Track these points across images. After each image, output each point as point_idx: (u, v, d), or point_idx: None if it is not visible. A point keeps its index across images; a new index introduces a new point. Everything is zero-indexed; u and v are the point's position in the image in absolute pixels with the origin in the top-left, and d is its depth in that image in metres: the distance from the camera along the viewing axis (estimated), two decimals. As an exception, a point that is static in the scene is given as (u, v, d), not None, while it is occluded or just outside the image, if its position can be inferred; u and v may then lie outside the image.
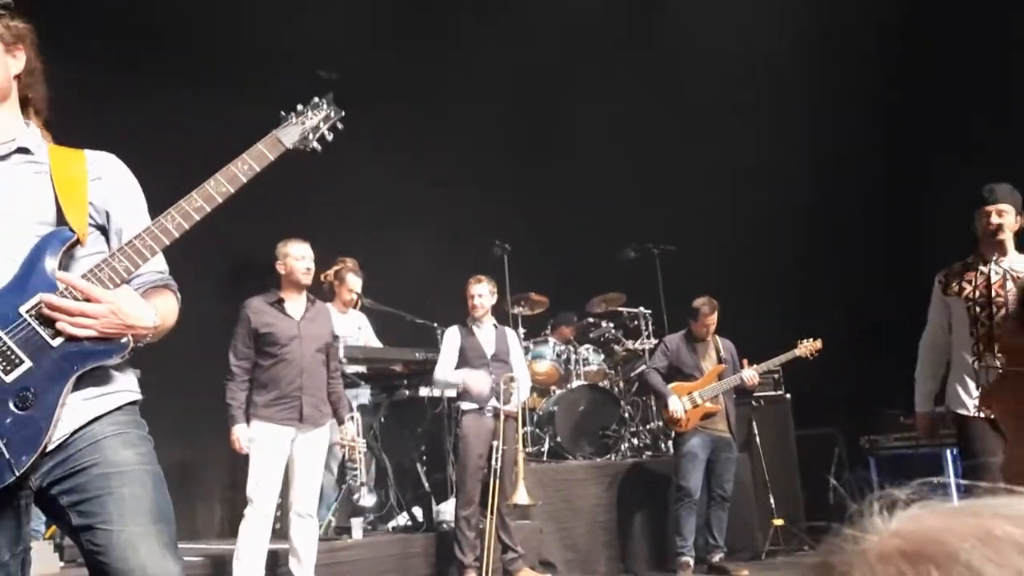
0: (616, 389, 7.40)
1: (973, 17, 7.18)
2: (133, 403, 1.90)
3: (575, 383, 7.03)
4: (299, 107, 2.11)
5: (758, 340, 6.29)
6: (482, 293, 5.43)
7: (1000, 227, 3.72)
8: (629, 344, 7.64)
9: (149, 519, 1.75)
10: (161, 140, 5.93)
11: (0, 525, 1.73)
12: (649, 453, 7.13)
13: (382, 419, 5.91)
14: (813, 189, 7.92)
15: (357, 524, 5.27)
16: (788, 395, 7.07)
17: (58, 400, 1.73)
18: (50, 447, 1.73)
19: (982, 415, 3.60)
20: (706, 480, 5.92)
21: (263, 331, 4.39)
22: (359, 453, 5.23)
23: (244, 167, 1.94)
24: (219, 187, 1.90)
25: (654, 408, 7.24)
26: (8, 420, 1.68)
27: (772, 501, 6.53)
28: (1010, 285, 3.65)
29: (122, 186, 1.98)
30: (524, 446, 5.51)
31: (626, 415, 7.14)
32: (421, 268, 7.70)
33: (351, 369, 5.45)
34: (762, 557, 6.41)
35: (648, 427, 7.40)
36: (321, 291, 5.86)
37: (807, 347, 6.10)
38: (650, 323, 7.69)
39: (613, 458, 6.75)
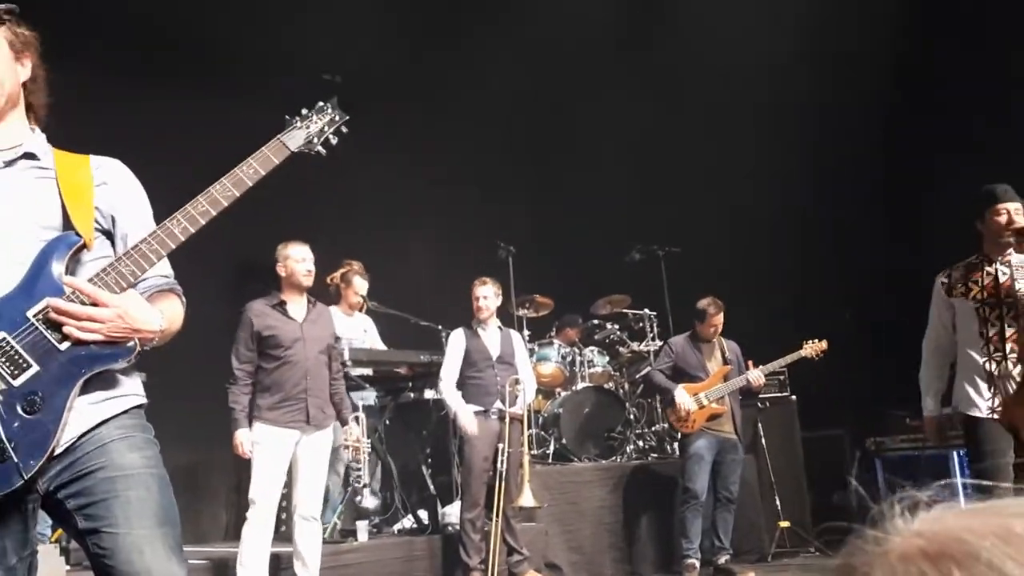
0: (621, 391, 7.39)
1: (974, 17, 7.17)
2: (139, 407, 1.91)
3: (580, 385, 7.03)
4: (304, 111, 2.12)
5: (763, 341, 6.28)
6: (487, 295, 5.43)
7: (1013, 224, 3.68)
8: (634, 346, 7.63)
9: (154, 522, 1.76)
10: (165, 143, 5.94)
11: (7, 529, 1.74)
12: (654, 455, 7.12)
13: (387, 421, 5.91)
14: (816, 189, 7.92)
15: (362, 527, 5.27)
16: (794, 396, 7.05)
17: (65, 404, 1.73)
18: (58, 451, 1.74)
19: (995, 416, 3.58)
20: (712, 482, 5.91)
21: (266, 334, 4.40)
22: (363, 454, 5.22)
23: (249, 171, 1.96)
24: (225, 191, 1.91)
25: (659, 410, 7.23)
26: (16, 424, 1.69)
27: (778, 503, 6.51)
28: (1019, 285, 3.63)
29: (127, 191, 1.99)
30: (529, 448, 5.51)
31: (631, 417, 7.13)
32: (425, 270, 7.70)
33: (356, 372, 5.46)
34: (768, 559, 6.40)
35: (653, 429, 7.40)
36: (327, 294, 5.87)
37: (812, 348, 6.09)
38: (655, 325, 7.69)
39: (618, 460, 6.74)
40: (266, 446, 4.31)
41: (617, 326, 7.75)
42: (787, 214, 7.90)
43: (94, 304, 1.75)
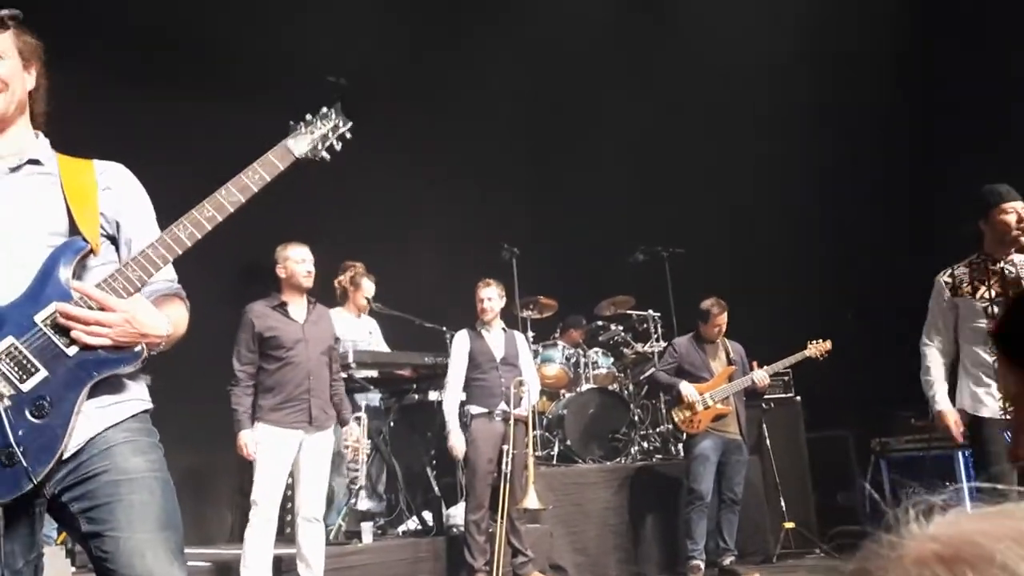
0: (626, 392, 7.38)
1: (974, 16, 7.16)
2: (145, 411, 1.93)
3: (584, 386, 7.02)
4: (308, 117, 2.13)
5: (768, 341, 6.28)
6: (491, 297, 5.44)
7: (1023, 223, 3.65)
8: (638, 347, 7.63)
9: (156, 526, 1.77)
10: (165, 144, 5.95)
11: (15, 532, 1.74)
12: (659, 456, 7.12)
13: (392, 423, 5.91)
14: (819, 190, 7.91)
15: (367, 528, 5.27)
16: (798, 397, 7.05)
17: (73, 408, 1.74)
18: (66, 455, 1.75)
19: (1006, 417, 3.55)
20: (716, 483, 5.91)
21: (267, 335, 4.40)
22: (362, 455, 5.23)
23: (255, 176, 1.97)
24: (230, 196, 1.93)
25: (664, 411, 7.22)
26: (25, 429, 1.70)
27: (783, 504, 6.50)
28: None
29: (132, 196, 2.01)
30: (534, 450, 5.51)
31: (636, 418, 7.12)
32: (430, 272, 7.70)
33: (361, 374, 5.46)
34: (773, 560, 6.39)
35: (658, 430, 7.39)
36: (332, 296, 5.87)
37: (817, 348, 6.08)
38: (659, 326, 7.68)
39: (623, 461, 6.73)
40: (268, 447, 4.31)
41: (621, 327, 7.74)
42: (790, 214, 7.89)
43: (102, 309, 1.77)
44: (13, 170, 1.88)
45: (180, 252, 1.87)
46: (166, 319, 1.87)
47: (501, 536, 5.12)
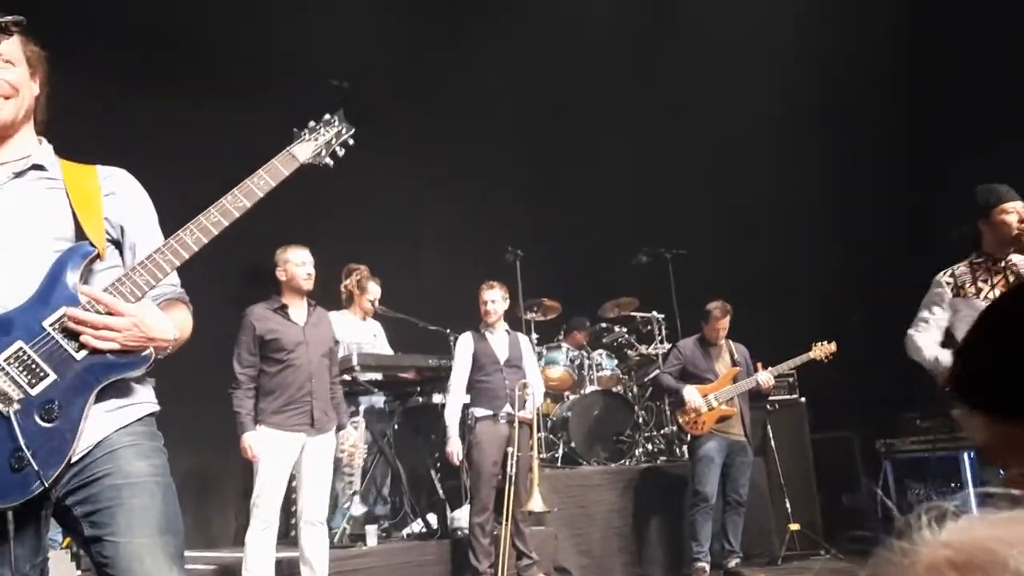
0: (630, 394, 7.38)
1: (980, 17, 7.14)
2: (151, 414, 1.94)
3: (589, 388, 7.02)
4: (311, 123, 2.17)
5: (772, 343, 6.27)
6: (495, 299, 5.44)
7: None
8: (642, 349, 7.62)
9: (156, 531, 1.78)
10: (165, 145, 5.96)
11: (22, 536, 1.75)
12: (664, 458, 7.11)
13: (396, 426, 5.92)
14: (826, 192, 7.90)
15: (371, 531, 5.27)
16: (803, 398, 7.03)
17: (82, 412, 1.76)
18: (74, 459, 1.76)
19: None
20: (721, 485, 5.90)
21: (268, 338, 4.40)
22: (358, 460, 5.23)
23: (260, 182, 2.00)
24: (236, 202, 1.95)
25: (668, 412, 7.22)
26: (34, 432, 1.71)
27: (788, 505, 6.49)
28: None
29: (135, 201, 2.03)
30: (538, 452, 5.50)
31: (640, 420, 7.12)
32: (433, 274, 7.71)
33: (365, 376, 5.46)
34: (779, 562, 6.37)
35: (662, 432, 7.38)
36: (336, 299, 5.88)
37: (821, 350, 6.08)
38: (663, 327, 7.68)
39: (627, 463, 6.73)
40: (270, 450, 4.30)
41: (625, 329, 7.74)
42: (792, 215, 7.88)
43: (110, 313, 1.78)
44: (18, 175, 1.90)
45: (187, 257, 1.88)
46: (173, 323, 1.89)
47: (506, 539, 5.12)
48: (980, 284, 3.73)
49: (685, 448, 6.68)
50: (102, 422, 1.81)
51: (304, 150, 2.12)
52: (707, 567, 5.76)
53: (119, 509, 1.76)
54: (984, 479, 3.87)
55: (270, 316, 4.47)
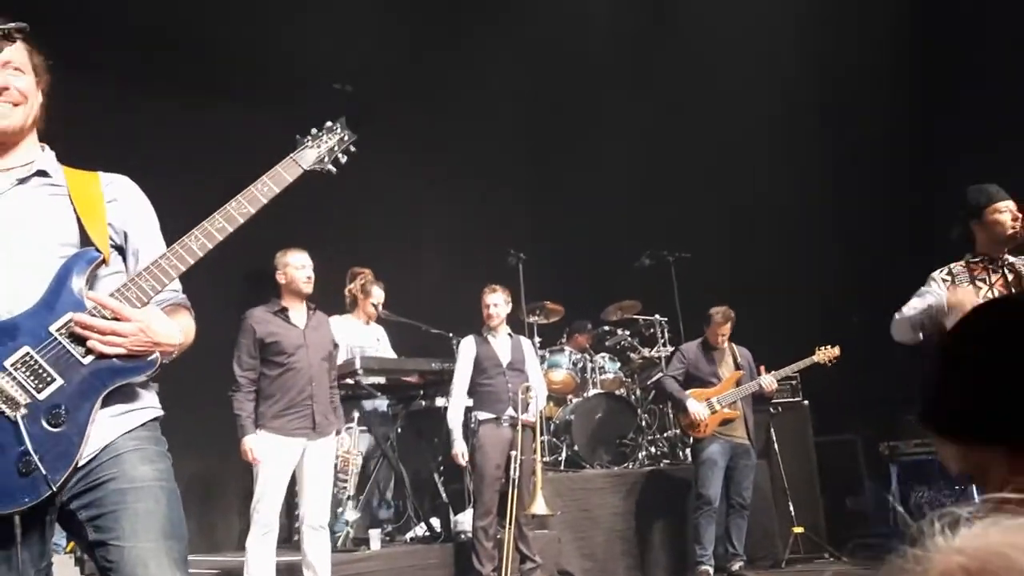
0: (633, 397, 7.37)
1: (980, 17, 7.14)
2: (155, 419, 1.95)
3: (591, 391, 7.01)
4: (314, 130, 2.21)
5: (775, 346, 6.26)
6: (497, 302, 5.44)
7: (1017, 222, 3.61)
8: (645, 352, 7.62)
9: (160, 535, 1.79)
10: (169, 148, 5.97)
11: (28, 540, 1.76)
12: (667, 461, 7.10)
13: (399, 429, 5.91)
14: (826, 192, 7.89)
15: (375, 535, 5.26)
16: (806, 401, 7.02)
17: (89, 417, 1.77)
18: (80, 463, 1.77)
19: None
20: (725, 488, 5.90)
21: (269, 341, 4.39)
22: (352, 466, 5.22)
23: (264, 188, 2.02)
24: (240, 208, 1.97)
25: (671, 416, 7.21)
26: (41, 437, 1.71)
27: (791, 508, 6.47)
28: None
29: (138, 207, 2.05)
30: (541, 455, 5.50)
31: (643, 423, 7.11)
32: (436, 278, 7.70)
33: (368, 380, 5.45)
34: (782, 565, 6.36)
35: (665, 435, 7.37)
36: (336, 302, 5.87)
37: (824, 354, 6.08)
38: (666, 331, 7.67)
39: (631, 466, 6.72)
40: (271, 455, 4.28)
41: (628, 332, 7.73)
42: (792, 216, 7.87)
43: (116, 319, 1.79)
44: (22, 181, 1.91)
45: (192, 262, 1.90)
46: (178, 328, 1.91)
47: (509, 542, 5.11)
48: (978, 283, 3.71)
49: (688, 451, 6.67)
50: (108, 427, 1.82)
51: (307, 156, 2.15)
52: (711, 570, 5.75)
53: (124, 513, 1.77)
54: None
55: (270, 319, 4.46)
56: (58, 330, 1.77)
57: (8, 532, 1.69)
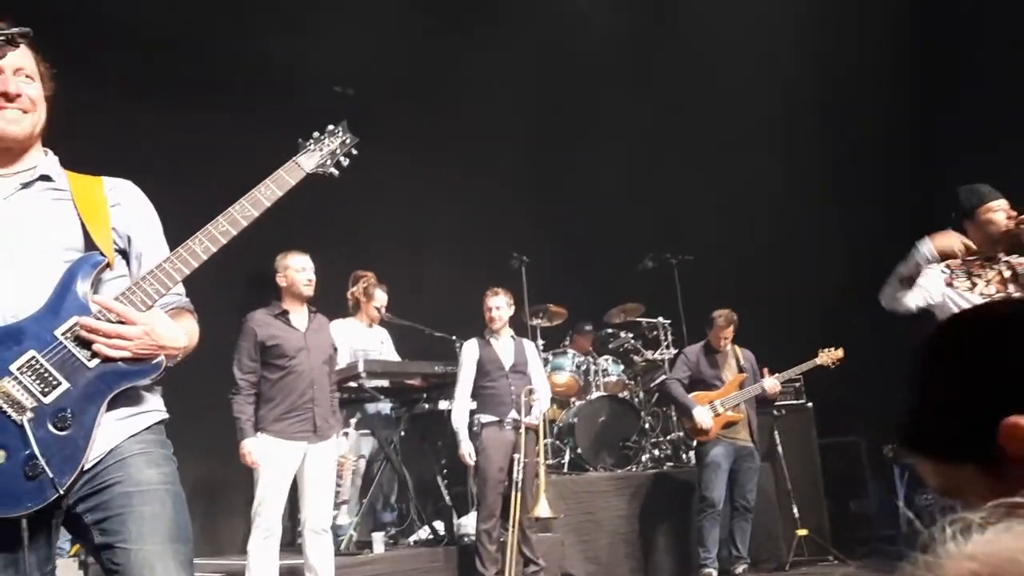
0: (636, 400, 7.36)
1: (981, 17, 7.13)
2: (161, 422, 1.96)
3: (595, 394, 7.01)
4: (316, 134, 2.23)
5: (779, 349, 6.25)
6: (499, 305, 5.44)
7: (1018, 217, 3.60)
8: (648, 354, 7.61)
9: (166, 538, 1.79)
10: (175, 157, 5.97)
11: (34, 544, 1.76)
12: (670, 464, 7.09)
13: (402, 432, 5.90)
14: (830, 195, 7.89)
15: (378, 538, 5.26)
16: (810, 404, 7.01)
17: (95, 420, 1.77)
18: (86, 466, 1.78)
19: None
20: (729, 490, 5.89)
21: (270, 344, 4.37)
22: (347, 471, 5.22)
23: (267, 192, 2.04)
24: (244, 211, 1.98)
25: (675, 418, 7.20)
26: (48, 440, 1.72)
27: (795, 511, 6.46)
28: None
29: (141, 212, 2.06)
30: (544, 458, 5.49)
31: (646, 426, 7.10)
32: (438, 281, 7.70)
33: (371, 383, 5.45)
34: (786, 568, 6.35)
35: (669, 438, 7.36)
36: (338, 304, 5.87)
37: (828, 356, 6.08)
38: (669, 333, 7.67)
39: (634, 469, 6.71)
40: (272, 458, 4.27)
41: (631, 335, 7.73)
42: (794, 218, 7.86)
43: (122, 322, 1.80)
44: (25, 186, 1.92)
45: (196, 266, 1.91)
46: (183, 331, 1.92)
47: (512, 545, 5.10)
48: (974, 279, 3.70)
49: (692, 454, 6.66)
50: (113, 430, 1.83)
51: (309, 160, 2.17)
52: (715, 573, 5.74)
53: (130, 516, 1.78)
54: None
55: (271, 322, 4.45)
56: (63, 334, 1.78)
57: (15, 535, 1.70)
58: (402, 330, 6.21)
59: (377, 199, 7.42)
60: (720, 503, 5.80)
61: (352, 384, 5.31)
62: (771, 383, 5.99)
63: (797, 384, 6.92)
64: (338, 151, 2.24)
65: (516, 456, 5.19)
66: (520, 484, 5.15)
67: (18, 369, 1.72)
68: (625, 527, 6.21)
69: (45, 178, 1.94)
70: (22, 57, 1.89)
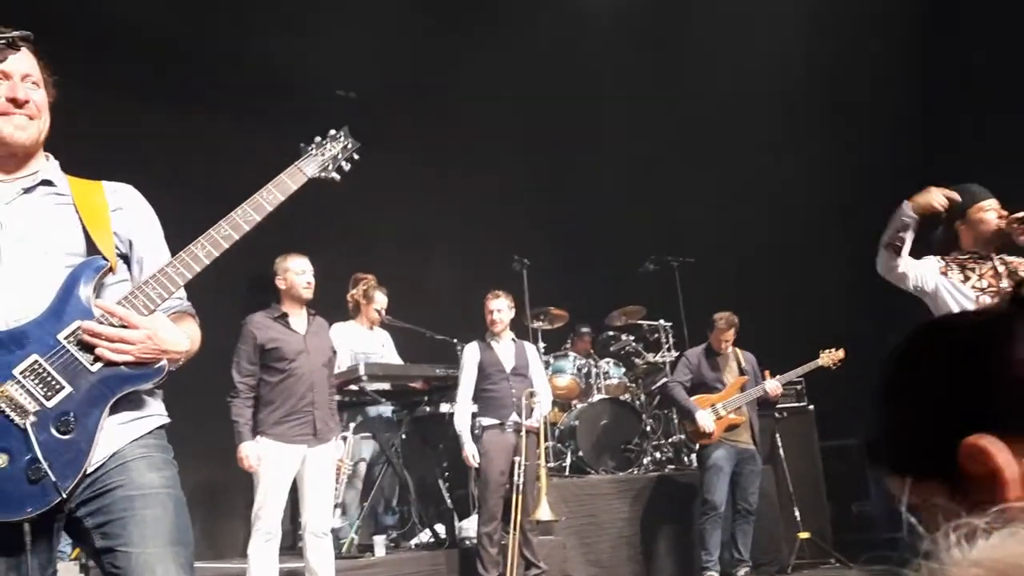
0: (637, 402, 7.36)
1: (980, 17, 7.12)
2: (162, 427, 1.96)
3: (596, 397, 7.00)
4: (318, 139, 2.25)
5: (780, 351, 6.25)
6: (501, 308, 5.44)
7: (1011, 216, 3.60)
8: (649, 357, 7.60)
9: (167, 541, 1.80)
10: (176, 160, 5.98)
11: (35, 548, 1.77)
12: (672, 467, 7.09)
13: (403, 435, 5.90)
14: (832, 197, 7.87)
15: (379, 541, 5.25)
16: (811, 406, 7.00)
17: (98, 424, 1.78)
18: (89, 470, 1.78)
19: None
20: (731, 493, 5.88)
21: (269, 347, 4.36)
22: (343, 475, 5.21)
23: (269, 196, 2.05)
24: (246, 216, 2.00)
25: (676, 421, 7.19)
26: (51, 444, 1.72)
27: (797, 513, 6.45)
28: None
29: (142, 216, 2.06)
30: (546, 461, 5.49)
31: (648, 429, 7.09)
32: (439, 284, 7.70)
33: (372, 386, 5.44)
34: (788, 571, 6.34)
35: (670, 440, 7.35)
36: (339, 307, 5.87)
37: (829, 357, 6.07)
38: (670, 336, 7.66)
39: (636, 472, 6.70)
40: (271, 462, 4.25)
41: (632, 337, 7.72)
42: (796, 221, 7.86)
43: (124, 326, 1.81)
44: (27, 191, 1.93)
45: (199, 270, 1.92)
46: (185, 335, 1.92)
47: (514, 548, 5.10)
48: (967, 273, 3.70)
49: (694, 456, 6.66)
50: (115, 434, 1.84)
51: (311, 165, 2.19)
52: (717, 576, 5.73)
53: (131, 520, 1.78)
54: None
55: (271, 325, 4.43)
56: (66, 338, 1.78)
57: (18, 539, 1.70)
58: (403, 333, 6.21)
59: (377, 200, 7.42)
60: (722, 506, 5.80)
61: (353, 387, 5.31)
62: (772, 385, 5.99)
63: (798, 387, 6.92)
64: (340, 156, 2.26)
65: (517, 459, 5.19)
66: (521, 487, 5.14)
67: (21, 373, 1.73)
68: (627, 530, 6.20)
69: (47, 183, 1.95)
70: (29, 63, 1.90)
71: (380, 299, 5.92)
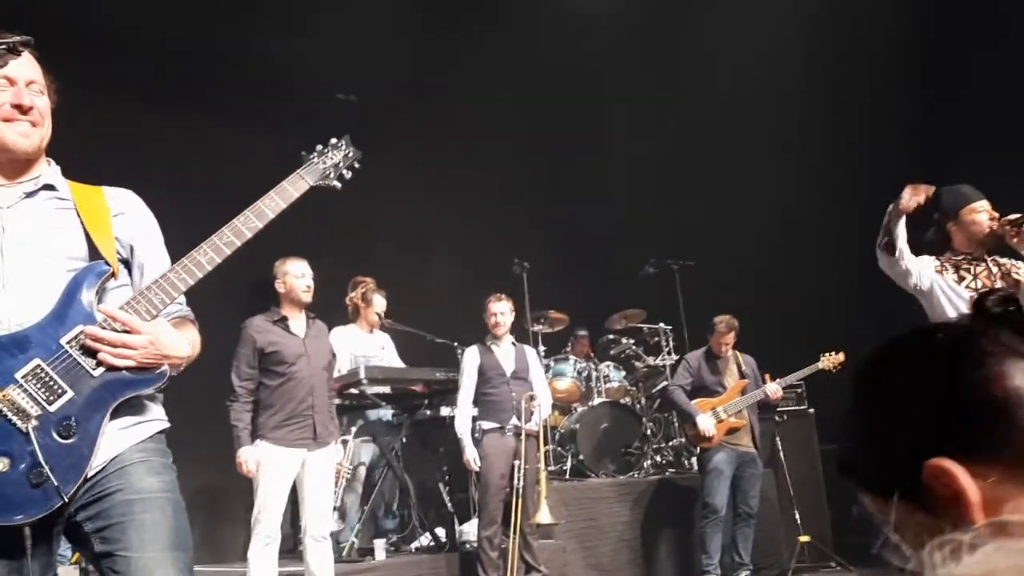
0: (638, 406, 7.35)
1: (981, 17, 7.12)
2: (162, 431, 1.97)
3: (596, 400, 7.00)
4: (319, 147, 2.28)
5: (780, 354, 6.25)
6: (503, 311, 5.44)
7: (1004, 218, 3.60)
8: (650, 360, 7.60)
9: (166, 545, 1.81)
10: (177, 164, 5.98)
11: (36, 552, 1.77)
12: (672, 470, 7.08)
13: (404, 439, 5.90)
14: (832, 200, 7.88)
15: (380, 545, 5.24)
16: (812, 409, 7.00)
17: (99, 429, 1.79)
18: (90, 474, 1.79)
19: None
20: (731, 497, 5.88)
21: (269, 350, 4.36)
22: (342, 479, 5.21)
23: (271, 203, 2.07)
24: (248, 222, 2.01)
25: (676, 425, 7.19)
26: (53, 448, 1.73)
27: (798, 517, 6.44)
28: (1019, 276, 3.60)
29: (143, 221, 2.08)
30: (546, 464, 5.49)
31: (648, 432, 7.09)
32: (440, 287, 7.70)
33: (372, 389, 5.45)
34: (788, 574, 6.33)
35: (671, 444, 7.35)
36: (339, 311, 5.87)
37: (830, 360, 6.07)
38: (670, 339, 7.66)
39: (636, 475, 6.70)
40: (271, 466, 4.25)
41: (632, 341, 7.72)
42: (807, 226, 7.85)
43: (127, 331, 1.82)
44: (29, 195, 1.93)
45: (201, 276, 1.93)
46: (186, 340, 1.93)
47: (514, 552, 5.10)
48: (962, 273, 3.71)
49: (694, 460, 6.65)
50: (116, 439, 1.84)
51: (313, 172, 2.21)
52: (717, 580, 5.73)
53: (131, 524, 1.79)
54: None
55: (270, 328, 4.43)
56: (69, 342, 1.79)
57: (19, 543, 1.71)
58: (404, 336, 6.21)
59: (377, 203, 7.41)
60: (723, 509, 5.79)
61: (353, 391, 5.31)
62: (773, 388, 5.99)
63: (799, 390, 6.91)
64: (341, 164, 2.29)
65: (517, 463, 5.19)
66: (521, 490, 5.14)
67: (23, 377, 1.73)
68: (627, 533, 6.20)
69: (49, 187, 1.95)
70: (34, 70, 1.91)
71: (379, 302, 5.92)
